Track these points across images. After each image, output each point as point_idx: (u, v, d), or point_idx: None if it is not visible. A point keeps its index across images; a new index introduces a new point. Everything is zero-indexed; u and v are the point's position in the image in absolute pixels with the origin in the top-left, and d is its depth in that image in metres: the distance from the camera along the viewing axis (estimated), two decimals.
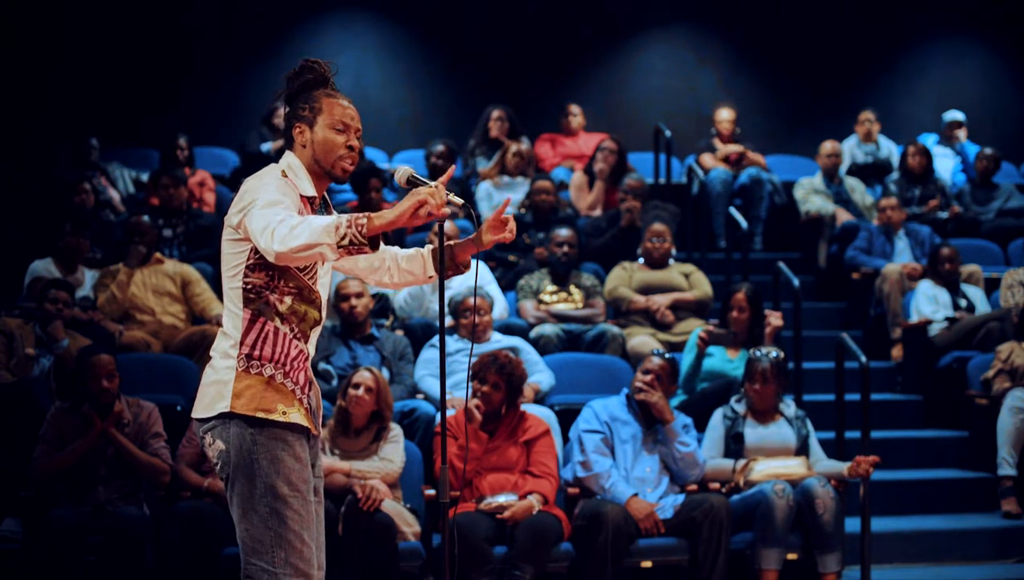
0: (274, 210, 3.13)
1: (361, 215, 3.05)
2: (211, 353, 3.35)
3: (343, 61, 11.48)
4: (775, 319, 7.00)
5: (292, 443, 3.27)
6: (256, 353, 3.26)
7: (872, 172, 10.60)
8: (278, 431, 3.25)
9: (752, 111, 11.50)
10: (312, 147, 3.35)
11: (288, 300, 3.31)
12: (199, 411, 3.31)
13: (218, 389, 3.26)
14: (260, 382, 3.25)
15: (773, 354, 6.27)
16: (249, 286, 3.28)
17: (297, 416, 3.28)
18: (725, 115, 10.53)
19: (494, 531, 5.65)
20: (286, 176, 3.32)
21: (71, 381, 5.86)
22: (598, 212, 9.24)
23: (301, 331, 3.34)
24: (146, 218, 7.51)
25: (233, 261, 3.29)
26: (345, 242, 3.03)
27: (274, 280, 3.29)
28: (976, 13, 12.17)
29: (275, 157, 9.35)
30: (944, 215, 9.78)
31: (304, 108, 3.37)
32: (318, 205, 3.38)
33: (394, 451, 5.78)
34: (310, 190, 3.35)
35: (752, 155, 10.42)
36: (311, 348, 3.40)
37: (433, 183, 3.15)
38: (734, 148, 10.36)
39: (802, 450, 6.23)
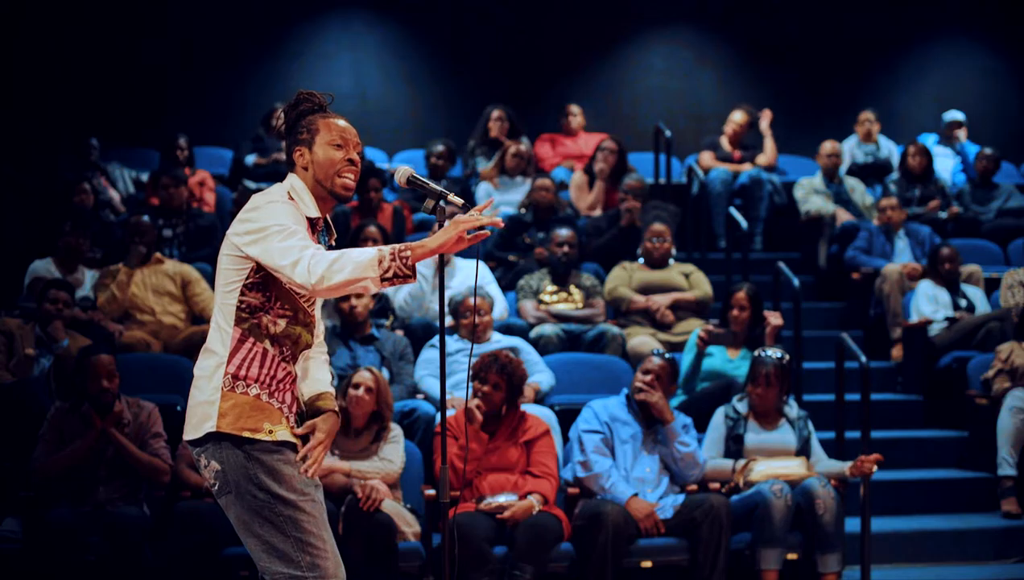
0: (296, 241, 3.14)
1: (403, 247, 3.07)
2: (195, 371, 3.33)
3: (343, 61, 11.49)
4: (774, 319, 7.00)
5: (285, 453, 3.27)
6: (242, 373, 3.26)
7: (872, 172, 10.60)
8: (267, 445, 3.26)
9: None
10: (313, 168, 3.35)
11: (282, 322, 3.31)
12: (188, 433, 3.31)
13: (204, 410, 3.26)
14: (245, 401, 3.25)
15: (778, 356, 6.26)
16: (244, 305, 3.27)
17: (284, 433, 3.29)
18: (738, 117, 10.50)
19: (494, 531, 5.65)
20: (291, 198, 3.33)
21: (71, 381, 5.86)
22: (598, 212, 9.24)
23: (292, 353, 3.35)
24: (146, 218, 7.51)
25: (231, 277, 3.28)
26: (389, 275, 3.07)
27: (270, 301, 3.29)
28: (976, 13, 12.17)
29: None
30: (944, 215, 9.79)
31: (302, 132, 3.38)
32: (320, 227, 3.38)
33: (394, 451, 5.78)
34: (313, 212, 3.35)
35: (770, 151, 10.45)
36: (299, 369, 3.40)
37: (473, 214, 3.15)
38: (769, 142, 10.41)
39: (803, 451, 6.23)
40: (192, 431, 3.29)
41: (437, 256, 3.21)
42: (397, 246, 3.08)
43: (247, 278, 3.26)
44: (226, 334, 3.28)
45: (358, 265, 3.06)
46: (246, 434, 3.23)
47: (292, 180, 3.38)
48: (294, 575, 3.22)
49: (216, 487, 3.28)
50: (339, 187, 3.35)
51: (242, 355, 3.27)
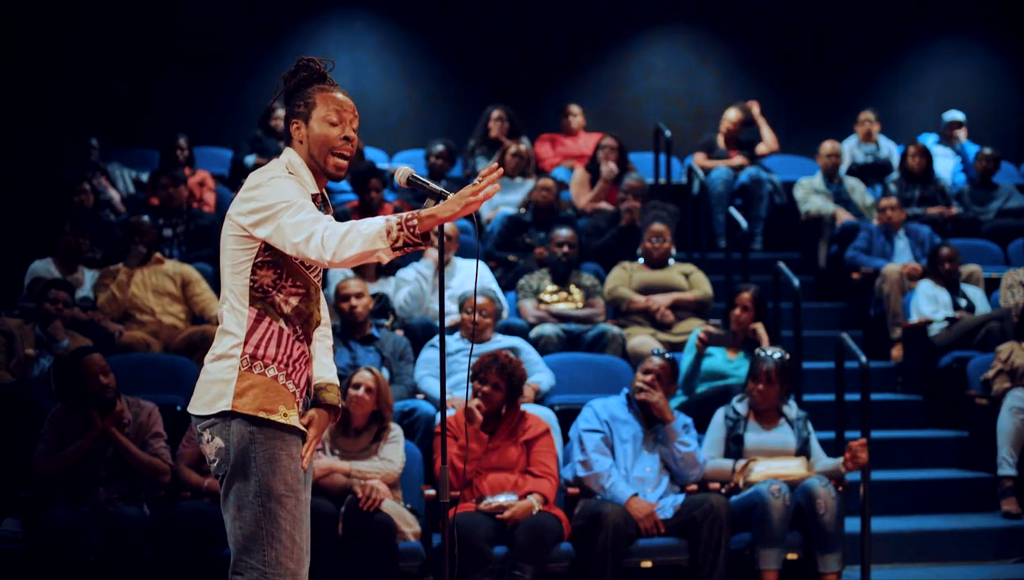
0: (306, 215, 3.13)
1: (410, 215, 3.08)
2: (212, 350, 3.31)
3: (343, 61, 11.47)
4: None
5: (289, 443, 3.26)
6: (260, 352, 3.25)
7: (872, 172, 10.59)
8: (277, 431, 3.25)
9: None
10: (308, 142, 3.33)
11: (294, 301, 3.29)
12: (198, 408, 3.29)
13: (220, 387, 3.24)
14: (263, 382, 3.24)
15: (778, 355, 6.26)
16: (256, 284, 3.26)
17: (296, 420, 3.28)
18: (732, 115, 10.51)
19: (494, 531, 5.65)
20: (290, 174, 3.31)
21: (71, 381, 5.85)
22: (601, 205, 9.20)
23: (304, 333, 3.33)
24: (146, 218, 7.51)
25: (239, 257, 3.26)
26: (399, 245, 3.08)
27: (282, 278, 3.27)
28: (976, 13, 12.17)
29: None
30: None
31: (300, 104, 3.37)
32: (319, 202, 3.35)
33: (394, 451, 5.78)
34: (312, 187, 3.33)
35: (769, 138, 10.46)
36: (312, 350, 3.39)
37: (475, 182, 3.15)
38: (768, 133, 10.43)
39: (802, 451, 6.23)
40: (203, 407, 3.27)
41: (437, 257, 3.21)
42: (405, 215, 3.08)
43: (256, 257, 3.25)
44: (241, 315, 3.26)
45: (367, 238, 3.06)
46: (261, 414, 3.22)
47: (289, 155, 3.35)
48: (255, 567, 3.23)
49: (215, 464, 3.27)
50: (332, 166, 3.34)
51: (259, 334, 3.26)
